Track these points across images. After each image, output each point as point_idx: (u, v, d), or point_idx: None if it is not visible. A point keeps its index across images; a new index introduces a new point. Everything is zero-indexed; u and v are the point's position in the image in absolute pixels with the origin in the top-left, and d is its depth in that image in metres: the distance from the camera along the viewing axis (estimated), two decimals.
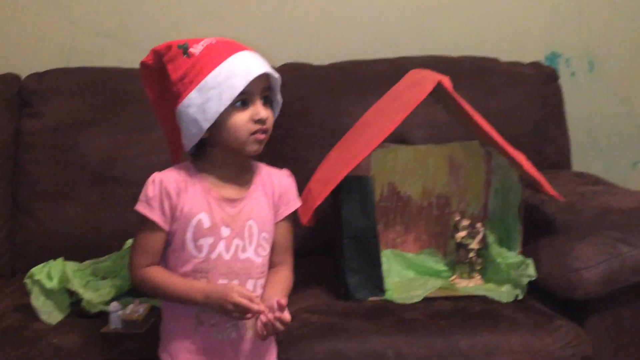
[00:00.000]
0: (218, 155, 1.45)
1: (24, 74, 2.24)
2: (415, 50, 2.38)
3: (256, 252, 1.46)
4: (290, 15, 2.40)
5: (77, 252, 1.91)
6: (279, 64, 2.28)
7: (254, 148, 1.43)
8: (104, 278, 1.81)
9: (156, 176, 1.43)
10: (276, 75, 1.43)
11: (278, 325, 1.35)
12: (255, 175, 1.51)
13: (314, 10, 2.41)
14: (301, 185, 1.82)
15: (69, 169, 2.08)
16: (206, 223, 1.42)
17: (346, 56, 2.33)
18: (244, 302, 1.34)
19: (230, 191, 1.46)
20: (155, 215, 1.41)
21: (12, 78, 2.23)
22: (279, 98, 1.48)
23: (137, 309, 1.66)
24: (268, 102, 1.44)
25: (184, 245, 1.42)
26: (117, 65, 2.28)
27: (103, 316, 1.69)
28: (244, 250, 1.45)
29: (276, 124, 2.14)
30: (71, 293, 1.75)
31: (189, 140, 1.42)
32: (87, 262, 1.86)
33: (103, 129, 2.10)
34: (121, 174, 2.05)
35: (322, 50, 2.39)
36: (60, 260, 1.78)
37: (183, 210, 1.41)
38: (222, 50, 1.40)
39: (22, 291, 1.76)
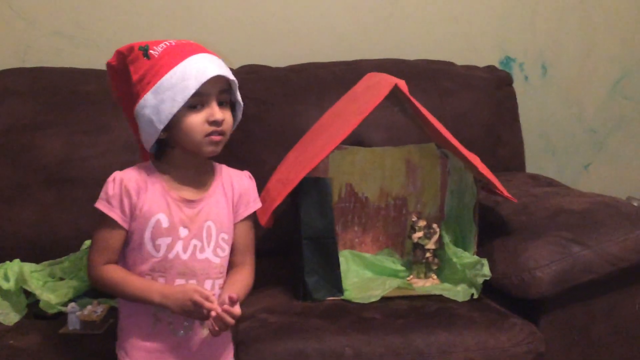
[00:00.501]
0: (177, 156, 1.46)
1: None
2: (372, 53, 2.40)
3: (215, 253, 1.47)
4: (248, 18, 2.40)
5: (33, 254, 1.90)
6: (237, 65, 2.29)
7: (209, 149, 1.43)
8: (61, 279, 1.80)
9: (117, 175, 1.44)
10: (232, 77, 1.43)
11: (228, 319, 1.36)
12: (216, 176, 1.52)
13: (273, 12, 2.42)
14: (260, 187, 1.83)
15: (24, 170, 2.04)
16: (164, 223, 1.42)
17: (304, 59, 2.35)
18: (201, 300, 1.34)
19: (189, 192, 1.47)
20: (114, 214, 1.41)
21: None
22: (240, 100, 1.49)
23: (95, 309, 1.65)
24: (226, 104, 1.45)
25: (142, 244, 1.42)
26: (74, 65, 2.26)
27: (61, 317, 1.68)
28: (202, 250, 1.45)
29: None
30: (28, 294, 1.73)
31: (147, 141, 1.43)
32: (45, 263, 1.85)
33: (59, 130, 2.07)
34: (77, 174, 2.03)
35: (280, 53, 2.40)
36: (16, 261, 1.76)
37: (142, 209, 1.42)
38: (180, 52, 1.41)
39: None
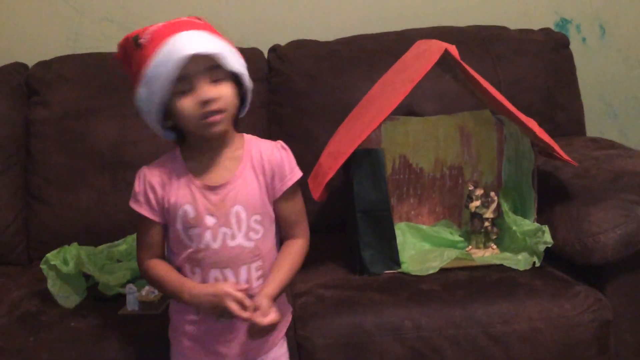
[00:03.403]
0: (195, 141, 1.41)
1: (31, 62, 2.24)
2: (421, 22, 2.35)
3: (247, 237, 1.41)
4: None
5: (91, 238, 1.92)
6: (285, 41, 2.26)
7: (211, 131, 1.35)
8: (119, 261, 1.81)
9: (141, 170, 1.43)
10: (217, 50, 1.33)
11: (263, 328, 1.33)
12: (244, 153, 1.44)
13: None
14: (311, 162, 1.82)
15: (78, 156, 2.07)
16: (191, 213, 1.39)
17: (352, 31, 2.31)
18: (234, 309, 1.32)
19: (213, 177, 1.41)
20: (144, 210, 1.41)
21: (19, 67, 2.23)
22: (238, 69, 1.37)
23: (153, 290, 1.66)
24: (224, 79, 1.35)
25: (177, 235, 1.40)
26: None
27: (120, 299, 1.70)
28: (232, 238, 1.40)
29: (284, 101, 2.16)
30: (87, 277, 1.75)
31: (156, 131, 1.41)
32: (102, 246, 1.87)
33: (111, 115, 2.10)
34: (130, 158, 2.04)
35: (328, 26, 2.37)
36: (75, 245, 1.78)
37: (170, 202, 1.39)
38: (162, 36, 1.33)
39: (39, 278, 1.77)
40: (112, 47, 2.29)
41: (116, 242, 1.88)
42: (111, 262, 1.80)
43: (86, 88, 2.14)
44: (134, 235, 1.86)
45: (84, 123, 2.09)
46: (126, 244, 1.85)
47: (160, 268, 1.42)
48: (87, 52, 2.27)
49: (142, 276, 1.47)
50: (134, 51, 1.36)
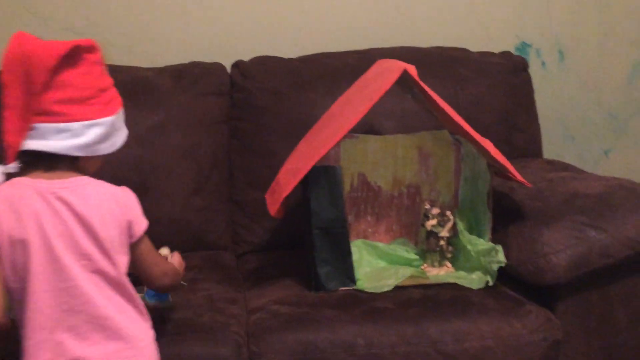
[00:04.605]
0: None
1: None
2: (384, 41, 2.37)
3: None
4: (259, 9, 2.38)
5: None
6: (248, 56, 2.27)
7: None
8: None
9: None
10: None
11: None
12: None
13: (284, 3, 2.40)
14: (270, 177, 1.83)
15: None
16: None
17: (315, 49, 2.32)
18: None
19: None
20: None
21: None
22: None
23: None
24: None
25: None
26: None
27: None
28: None
29: (245, 116, 2.16)
30: None
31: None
32: None
33: None
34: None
35: (292, 44, 2.37)
36: None
37: None
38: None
39: None
40: None
41: None
42: None
43: None
44: None
45: None
46: None
47: None
48: None
49: None
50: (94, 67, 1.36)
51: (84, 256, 1.30)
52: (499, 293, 1.72)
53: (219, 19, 2.37)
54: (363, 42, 2.37)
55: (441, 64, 2.27)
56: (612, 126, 2.62)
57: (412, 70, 1.73)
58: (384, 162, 1.94)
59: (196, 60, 2.27)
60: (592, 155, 2.63)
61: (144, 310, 1.38)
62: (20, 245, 1.27)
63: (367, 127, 2.04)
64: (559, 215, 1.73)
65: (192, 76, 2.18)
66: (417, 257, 1.90)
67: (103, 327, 1.31)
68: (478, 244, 1.79)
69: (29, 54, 1.28)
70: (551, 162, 2.16)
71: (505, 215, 1.82)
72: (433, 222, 1.84)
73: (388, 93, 1.72)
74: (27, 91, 1.28)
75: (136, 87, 2.13)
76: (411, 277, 1.78)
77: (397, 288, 1.74)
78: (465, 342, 1.60)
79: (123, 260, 1.34)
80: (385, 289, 1.74)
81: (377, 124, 2.07)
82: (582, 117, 2.61)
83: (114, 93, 1.40)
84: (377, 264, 1.88)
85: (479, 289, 1.73)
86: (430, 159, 1.94)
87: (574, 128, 2.61)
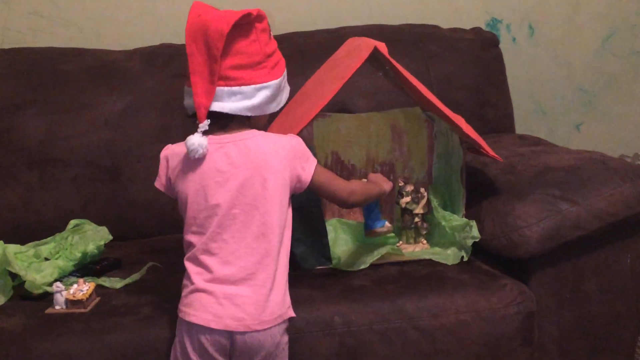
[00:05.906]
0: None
1: None
2: (355, 20, 2.37)
3: None
4: None
5: (18, 236, 1.87)
6: None
7: None
8: (47, 259, 1.78)
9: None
10: None
11: None
12: None
13: None
14: None
15: (5, 152, 2.03)
16: None
17: (286, 28, 2.31)
18: None
19: None
20: None
21: None
22: None
23: (81, 288, 1.63)
24: None
25: None
26: (52, 44, 2.23)
27: (47, 297, 1.67)
28: None
29: None
30: (13, 276, 1.71)
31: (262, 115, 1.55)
32: (29, 244, 1.83)
33: (39, 110, 2.06)
34: (59, 155, 2.01)
35: None
36: (0, 243, 1.74)
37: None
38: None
39: None
40: (40, 42, 2.28)
41: (44, 240, 1.84)
42: (38, 260, 1.77)
43: (14, 83, 2.09)
44: (63, 233, 1.85)
45: (11, 118, 2.04)
46: (55, 242, 1.81)
47: None
48: (15, 46, 2.22)
49: None
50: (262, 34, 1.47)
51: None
52: (473, 268, 1.73)
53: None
54: (333, 20, 2.37)
55: (412, 41, 2.28)
56: (582, 100, 2.65)
57: (383, 47, 1.73)
58: (357, 140, 1.94)
59: (166, 42, 2.25)
60: (563, 129, 2.65)
61: None
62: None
63: (339, 105, 2.04)
64: (531, 189, 1.75)
65: (163, 58, 2.17)
66: (392, 234, 1.91)
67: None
68: (452, 220, 1.80)
69: (207, 23, 1.39)
70: (523, 137, 2.17)
71: (479, 190, 1.83)
72: (407, 199, 1.85)
73: (360, 71, 1.71)
74: (209, 57, 1.40)
75: (106, 71, 2.12)
76: (387, 254, 1.78)
77: (373, 266, 1.75)
78: (442, 317, 1.61)
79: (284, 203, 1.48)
80: (362, 267, 1.74)
81: (350, 103, 2.07)
82: (553, 91, 2.63)
83: (278, 56, 1.52)
84: (353, 242, 1.89)
85: (454, 265, 1.74)
86: (404, 137, 1.95)
87: (545, 103, 2.63)
